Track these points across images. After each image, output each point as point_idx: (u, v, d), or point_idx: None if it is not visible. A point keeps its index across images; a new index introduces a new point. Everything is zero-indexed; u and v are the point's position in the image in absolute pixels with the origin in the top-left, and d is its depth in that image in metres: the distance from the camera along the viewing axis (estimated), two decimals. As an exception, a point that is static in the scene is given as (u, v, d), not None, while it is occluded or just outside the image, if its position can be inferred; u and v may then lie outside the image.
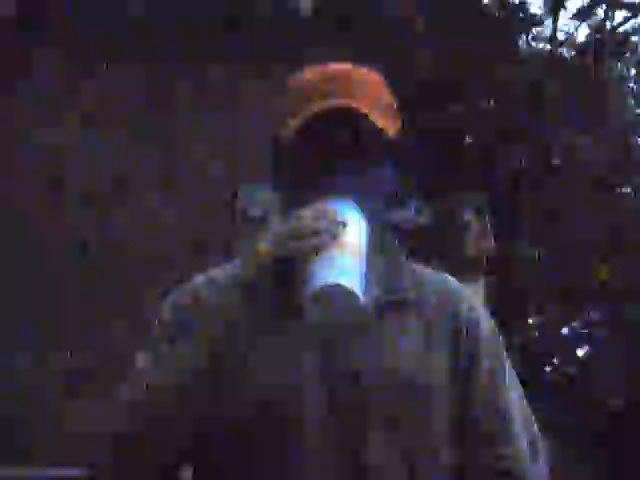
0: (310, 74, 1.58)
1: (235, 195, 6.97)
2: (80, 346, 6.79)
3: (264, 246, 1.42)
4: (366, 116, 1.50)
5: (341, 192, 1.49)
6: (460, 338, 1.57)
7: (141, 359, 1.54)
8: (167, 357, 1.50)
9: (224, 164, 7.14)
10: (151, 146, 7.13)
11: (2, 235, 6.84)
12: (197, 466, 1.55)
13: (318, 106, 1.51)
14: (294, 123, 1.51)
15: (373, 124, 1.51)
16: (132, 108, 7.14)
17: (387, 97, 1.59)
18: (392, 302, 1.55)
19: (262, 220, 6.68)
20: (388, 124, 1.54)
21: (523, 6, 10.00)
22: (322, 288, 1.35)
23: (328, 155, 1.52)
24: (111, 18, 7.00)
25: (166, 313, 1.57)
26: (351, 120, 1.51)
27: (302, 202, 1.47)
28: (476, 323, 1.59)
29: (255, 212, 6.81)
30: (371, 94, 1.55)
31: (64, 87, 7.07)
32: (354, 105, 1.51)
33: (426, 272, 1.64)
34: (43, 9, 6.91)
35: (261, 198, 6.82)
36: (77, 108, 7.12)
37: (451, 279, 1.66)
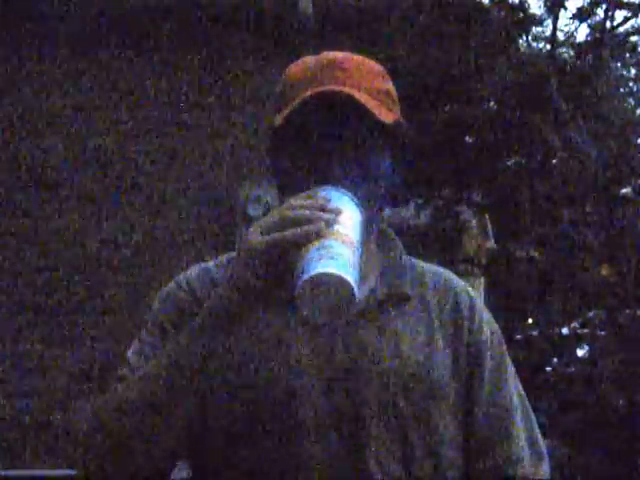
0: (306, 62, 1.57)
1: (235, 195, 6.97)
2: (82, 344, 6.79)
3: (255, 235, 1.38)
4: (359, 102, 1.48)
5: (337, 179, 1.47)
6: (462, 335, 1.56)
7: (133, 352, 1.52)
8: (159, 348, 1.48)
9: (224, 164, 7.14)
10: (152, 145, 7.13)
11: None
12: (194, 460, 1.53)
13: (310, 92, 1.49)
14: (287, 110, 1.49)
15: (368, 111, 1.48)
16: (133, 107, 7.14)
17: (386, 86, 1.56)
18: (393, 296, 1.54)
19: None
20: (386, 113, 1.52)
21: (523, 6, 9.98)
22: (314, 277, 1.31)
23: (321, 141, 1.50)
24: (113, 14, 7.00)
25: (159, 303, 1.56)
26: (344, 106, 1.48)
27: (298, 189, 1.45)
28: (479, 321, 1.58)
29: (255, 212, 6.80)
30: (368, 82, 1.52)
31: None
32: (347, 91, 1.48)
33: (427, 267, 1.63)
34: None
35: (261, 198, 6.82)
36: (76, 105, 7.13)
37: (452, 274, 1.65)
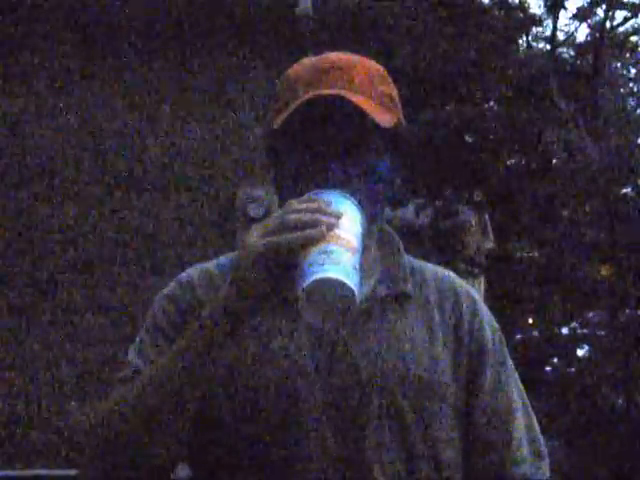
0: (305, 64, 1.56)
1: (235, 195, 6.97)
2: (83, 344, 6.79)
3: (256, 238, 1.37)
4: (357, 105, 1.47)
5: (336, 181, 1.47)
6: (464, 335, 1.54)
7: (134, 353, 1.52)
8: (159, 349, 1.48)
9: (225, 164, 7.14)
10: (152, 145, 7.12)
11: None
12: (195, 461, 1.53)
13: (308, 95, 1.48)
14: (286, 112, 1.49)
15: (366, 114, 1.47)
16: (133, 108, 7.14)
17: (386, 88, 1.54)
18: (394, 296, 1.53)
19: (262, 220, 6.67)
20: (384, 115, 1.51)
21: (523, 6, 10.00)
22: (316, 282, 1.30)
23: (320, 144, 1.49)
24: (113, 14, 6.99)
25: (159, 303, 1.55)
26: (342, 109, 1.48)
27: (297, 192, 1.45)
28: (480, 321, 1.57)
29: (255, 212, 6.80)
30: (367, 84, 1.51)
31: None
32: (344, 94, 1.47)
33: (427, 267, 1.62)
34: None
35: (261, 198, 6.82)
36: (76, 105, 7.13)
37: (453, 274, 1.64)
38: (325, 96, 1.48)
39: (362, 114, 1.48)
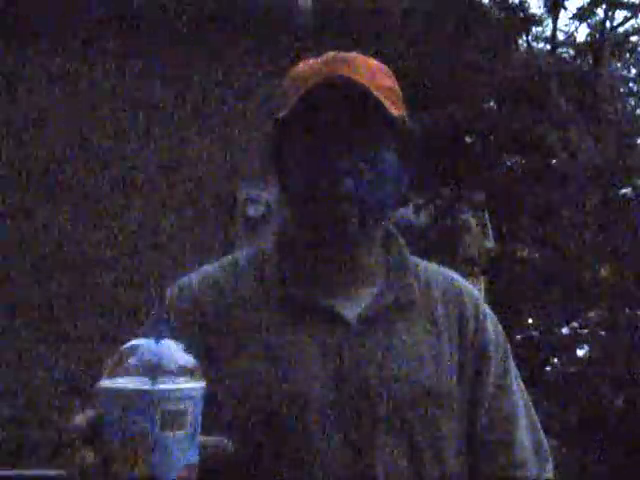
0: (308, 61, 1.53)
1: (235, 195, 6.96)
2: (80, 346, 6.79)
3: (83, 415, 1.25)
4: (369, 91, 1.43)
5: (346, 171, 1.42)
6: (468, 338, 1.54)
7: None
8: None
9: (226, 164, 7.14)
10: (152, 145, 7.12)
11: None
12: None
13: (315, 80, 1.44)
14: (292, 101, 1.45)
15: (377, 101, 1.44)
16: (133, 108, 7.13)
17: (389, 82, 1.52)
18: (398, 303, 1.51)
19: (262, 220, 6.67)
20: (392, 107, 1.47)
21: (523, 6, 10.00)
22: None
23: (329, 132, 1.45)
24: (113, 14, 6.99)
25: (159, 309, 1.54)
26: (352, 96, 1.44)
27: (304, 182, 1.42)
28: (484, 324, 1.57)
29: (255, 212, 6.80)
30: (374, 77, 1.48)
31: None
32: (356, 79, 1.44)
33: (430, 268, 1.60)
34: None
35: (261, 198, 6.81)
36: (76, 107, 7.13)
37: (457, 276, 1.63)
38: (333, 80, 1.45)
39: (373, 102, 1.44)
